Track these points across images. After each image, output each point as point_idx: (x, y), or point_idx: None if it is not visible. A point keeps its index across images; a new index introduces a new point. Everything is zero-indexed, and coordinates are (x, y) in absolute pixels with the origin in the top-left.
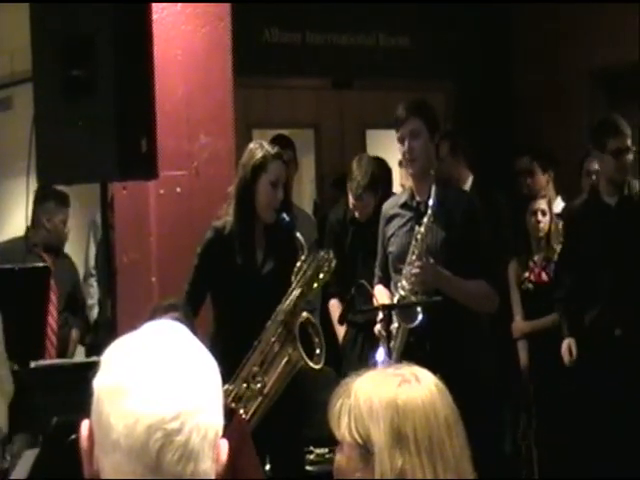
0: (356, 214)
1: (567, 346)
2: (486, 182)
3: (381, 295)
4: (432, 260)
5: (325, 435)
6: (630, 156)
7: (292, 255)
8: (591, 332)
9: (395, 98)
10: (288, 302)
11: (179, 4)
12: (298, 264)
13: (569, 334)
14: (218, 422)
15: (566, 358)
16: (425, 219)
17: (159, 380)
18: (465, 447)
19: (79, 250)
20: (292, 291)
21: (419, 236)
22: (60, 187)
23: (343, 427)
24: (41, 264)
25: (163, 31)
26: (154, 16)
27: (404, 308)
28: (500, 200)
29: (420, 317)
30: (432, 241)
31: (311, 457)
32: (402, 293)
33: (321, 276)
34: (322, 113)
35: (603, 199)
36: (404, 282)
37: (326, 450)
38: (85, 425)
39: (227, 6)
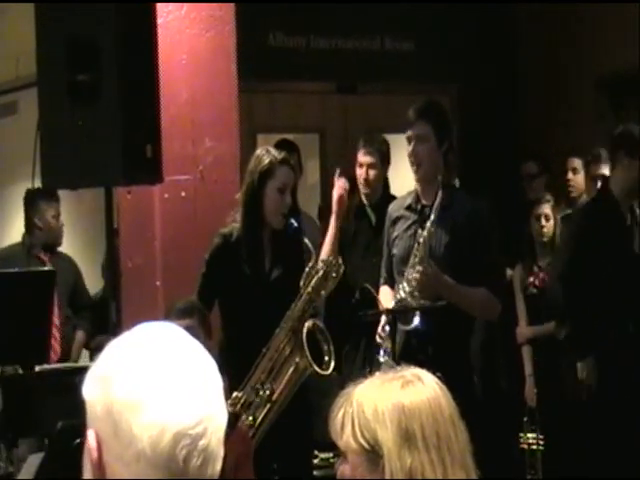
0: (363, 179)
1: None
2: (474, 185)
3: (386, 298)
4: (434, 265)
5: (329, 439)
6: None
7: (300, 261)
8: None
9: (400, 102)
10: (297, 309)
11: (184, 8)
12: (306, 270)
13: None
14: (225, 421)
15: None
16: (428, 223)
17: (176, 387)
18: (468, 442)
19: (85, 253)
20: (300, 297)
21: (421, 240)
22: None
23: (347, 435)
24: (46, 268)
25: (168, 35)
26: (159, 20)
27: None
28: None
29: (417, 320)
30: (436, 246)
31: (315, 461)
32: (402, 295)
33: (329, 282)
34: (327, 117)
35: (620, 207)
36: (405, 284)
37: (330, 454)
38: (92, 435)
39: (232, 10)
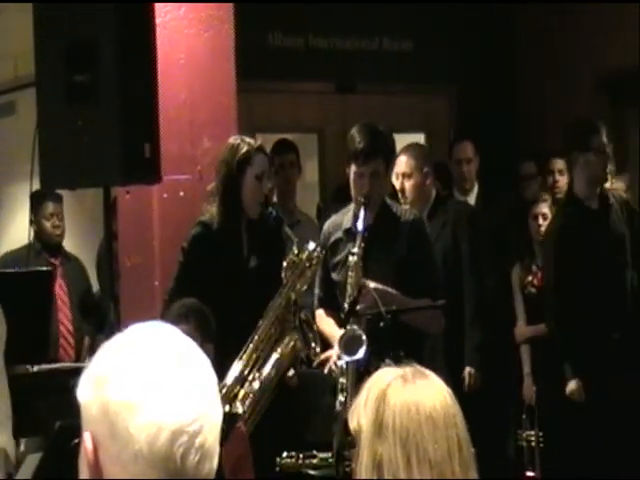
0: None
1: (577, 388)
2: (490, 186)
3: (328, 323)
4: (372, 284)
5: (328, 440)
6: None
7: (280, 250)
8: (589, 338)
9: (398, 102)
10: (281, 298)
11: (182, 8)
12: (288, 259)
13: (575, 374)
14: (221, 418)
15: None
16: (356, 249)
17: (171, 386)
18: (455, 453)
19: (84, 253)
20: (285, 287)
21: (350, 272)
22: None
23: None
24: (44, 268)
25: (166, 35)
26: (157, 20)
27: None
28: (507, 203)
29: (363, 350)
30: (380, 262)
31: (314, 461)
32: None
33: (311, 269)
34: (325, 117)
35: (585, 205)
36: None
37: (329, 454)
38: (88, 438)
39: (230, 10)
